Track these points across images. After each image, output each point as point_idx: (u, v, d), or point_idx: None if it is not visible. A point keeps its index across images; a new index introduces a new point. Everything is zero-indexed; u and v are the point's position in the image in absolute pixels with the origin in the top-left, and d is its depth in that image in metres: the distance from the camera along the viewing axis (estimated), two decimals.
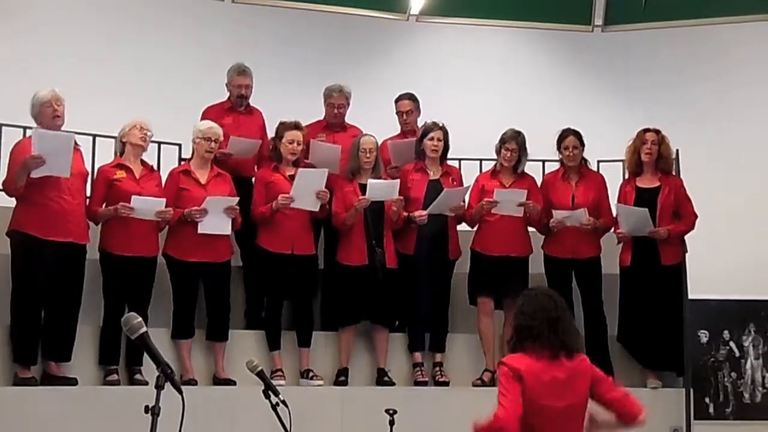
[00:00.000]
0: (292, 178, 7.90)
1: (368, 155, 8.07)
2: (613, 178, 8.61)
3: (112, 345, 7.45)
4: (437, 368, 8.23)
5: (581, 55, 11.35)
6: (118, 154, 7.71)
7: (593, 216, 8.20)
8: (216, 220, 7.62)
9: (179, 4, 10.58)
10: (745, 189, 10.30)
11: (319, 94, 8.70)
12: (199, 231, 7.59)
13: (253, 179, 8.24)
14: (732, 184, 10.31)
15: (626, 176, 8.51)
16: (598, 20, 11.31)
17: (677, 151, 8.44)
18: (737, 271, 9.56)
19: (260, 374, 5.37)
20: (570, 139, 8.29)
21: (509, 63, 11.31)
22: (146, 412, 3.97)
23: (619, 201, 8.29)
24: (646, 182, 8.26)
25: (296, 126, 8.06)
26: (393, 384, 8.03)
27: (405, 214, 8.12)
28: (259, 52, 9.87)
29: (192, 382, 7.50)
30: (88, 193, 7.58)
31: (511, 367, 4.63)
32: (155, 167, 8.11)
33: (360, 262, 8.00)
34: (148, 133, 7.67)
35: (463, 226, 8.43)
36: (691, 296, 8.23)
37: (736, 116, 10.70)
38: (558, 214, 8.16)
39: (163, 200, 7.56)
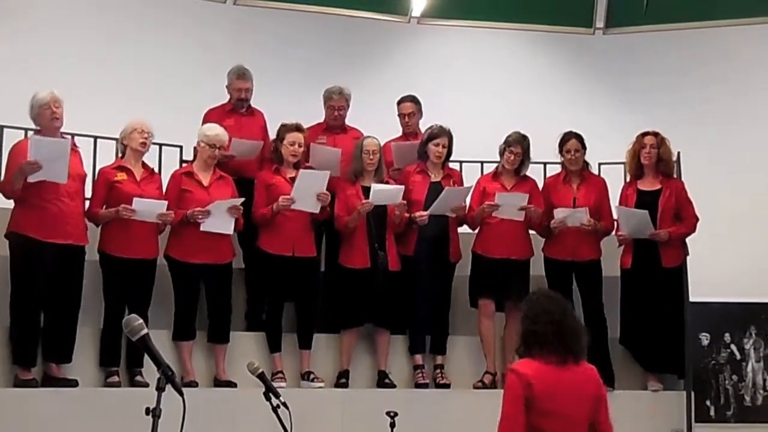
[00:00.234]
0: (293, 180, 7.89)
1: (371, 157, 8.07)
2: (615, 180, 8.60)
3: (113, 346, 7.45)
4: (438, 370, 8.22)
5: (582, 57, 11.35)
6: (120, 155, 7.70)
7: (594, 218, 8.19)
8: (219, 219, 7.62)
9: (180, 5, 10.57)
10: (747, 192, 10.29)
11: (320, 96, 8.69)
12: (202, 228, 7.58)
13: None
14: (734, 187, 10.31)
15: (627, 179, 8.50)
16: (600, 22, 11.31)
17: (678, 153, 8.44)
18: (738, 274, 9.54)
19: (261, 376, 5.37)
20: (572, 143, 8.29)
21: (510, 65, 11.31)
22: (147, 413, 3.97)
23: (620, 204, 8.29)
24: (647, 185, 8.26)
25: (297, 128, 8.06)
26: (394, 386, 8.02)
27: (406, 215, 8.12)
28: (260, 53, 9.87)
29: (193, 384, 7.50)
30: (87, 195, 7.56)
31: (519, 375, 4.58)
32: (156, 169, 8.10)
33: (362, 265, 7.99)
34: (149, 136, 7.65)
35: (463, 229, 8.42)
36: (692, 299, 8.22)
37: (739, 118, 10.69)
38: (559, 213, 8.15)
39: (165, 203, 7.56)
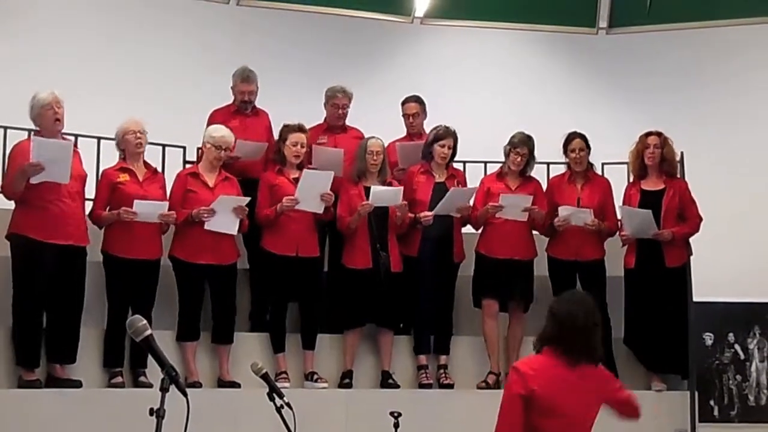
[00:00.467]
0: (296, 180, 7.90)
1: (375, 158, 8.08)
2: (618, 180, 8.60)
3: (116, 347, 7.45)
4: (442, 371, 8.22)
5: (585, 57, 11.33)
6: (121, 158, 7.70)
7: (598, 218, 8.19)
8: (224, 219, 7.63)
9: (184, 6, 10.57)
10: (750, 191, 10.28)
11: (322, 97, 8.70)
12: (206, 227, 7.59)
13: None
14: (737, 187, 10.29)
15: (631, 179, 8.50)
16: (603, 22, 11.29)
17: (682, 153, 8.43)
18: (742, 274, 9.53)
19: (265, 377, 5.37)
20: (576, 143, 8.29)
21: (513, 65, 11.30)
22: (151, 414, 3.97)
23: (624, 204, 8.30)
24: (650, 185, 8.26)
25: (300, 128, 8.06)
26: (397, 386, 8.03)
27: (411, 215, 8.12)
28: (262, 54, 9.86)
29: (196, 385, 7.50)
30: (87, 195, 7.55)
31: (520, 373, 4.58)
32: (159, 170, 8.10)
33: (364, 266, 8.00)
34: (143, 135, 7.64)
35: (467, 229, 8.42)
36: (695, 299, 8.22)
37: (742, 119, 10.68)
38: (563, 210, 8.15)
39: (166, 203, 7.57)
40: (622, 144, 8.52)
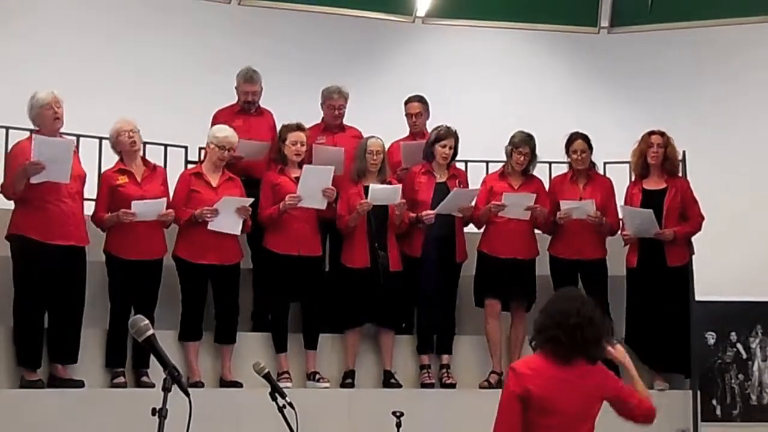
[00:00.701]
0: (298, 179, 7.90)
1: (375, 157, 8.08)
2: (620, 179, 8.61)
3: (119, 347, 7.46)
4: (444, 370, 8.23)
5: (587, 56, 11.34)
6: (119, 159, 7.70)
7: None
8: (227, 219, 7.63)
9: (185, 6, 10.58)
10: (751, 190, 10.28)
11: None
12: (210, 227, 7.59)
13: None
14: (739, 186, 10.30)
15: (632, 178, 8.50)
16: (605, 22, 11.30)
17: (684, 152, 8.43)
18: (744, 273, 9.55)
19: (267, 376, 5.37)
20: (578, 143, 8.29)
21: (515, 65, 11.31)
22: (153, 414, 3.97)
23: (625, 203, 8.30)
24: (652, 184, 8.26)
25: (298, 127, 8.07)
26: (400, 386, 8.03)
27: (413, 215, 8.12)
28: (264, 54, 9.86)
29: (199, 385, 7.50)
30: (87, 195, 7.55)
31: (517, 374, 4.57)
32: (158, 165, 8.08)
33: (363, 265, 8.01)
34: (135, 133, 7.62)
35: (469, 228, 8.43)
36: (698, 298, 8.22)
37: (743, 117, 10.69)
38: (565, 205, 8.15)
39: (164, 200, 7.57)
40: (623, 143, 8.53)
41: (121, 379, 7.43)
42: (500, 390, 4.70)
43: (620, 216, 8.33)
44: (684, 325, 8.16)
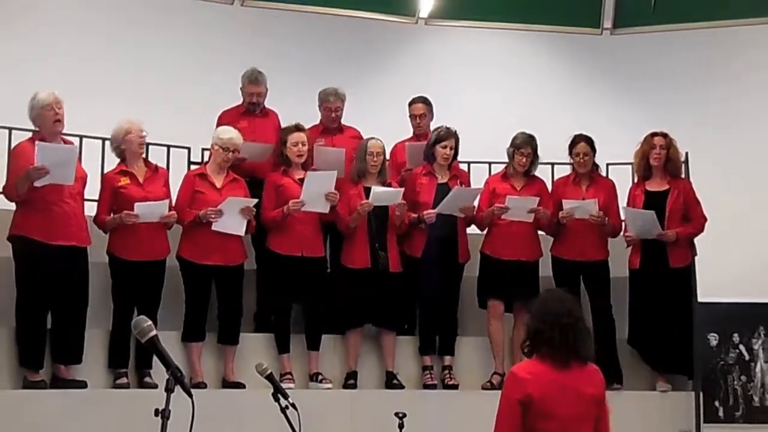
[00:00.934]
0: (301, 181, 7.91)
1: (375, 159, 8.09)
2: (623, 181, 8.61)
3: (122, 348, 7.46)
4: (446, 371, 8.23)
5: (590, 57, 11.34)
6: (119, 158, 7.69)
7: None
8: (231, 220, 7.64)
9: (188, 7, 10.59)
10: (754, 192, 10.28)
11: None
12: (214, 228, 7.59)
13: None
14: (741, 187, 10.30)
15: (635, 179, 8.50)
16: (608, 23, 11.30)
17: (686, 153, 8.43)
18: (747, 274, 9.54)
19: (269, 377, 5.38)
20: (581, 146, 8.28)
21: (518, 66, 11.31)
22: (156, 415, 3.98)
23: (628, 205, 8.29)
24: (655, 186, 8.26)
25: (297, 128, 8.08)
26: (402, 387, 8.02)
27: (414, 215, 8.12)
28: (267, 55, 9.86)
29: (201, 385, 7.50)
30: (89, 196, 7.55)
31: (517, 379, 4.57)
32: (161, 166, 8.08)
33: (363, 265, 8.01)
34: (144, 135, 7.64)
35: (471, 229, 8.43)
36: (700, 299, 8.21)
37: (745, 119, 10.69)
38: (567, 204, 8.15)
39: (166, 202, 7.57)
40: (626, 144, 8.52)
41: (124, 380, 7.43)
42: None
43: (623, 217, 8.33)
44: (686, 327, 8.15)
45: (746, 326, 8.38)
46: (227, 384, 7.73)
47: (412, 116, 8.79)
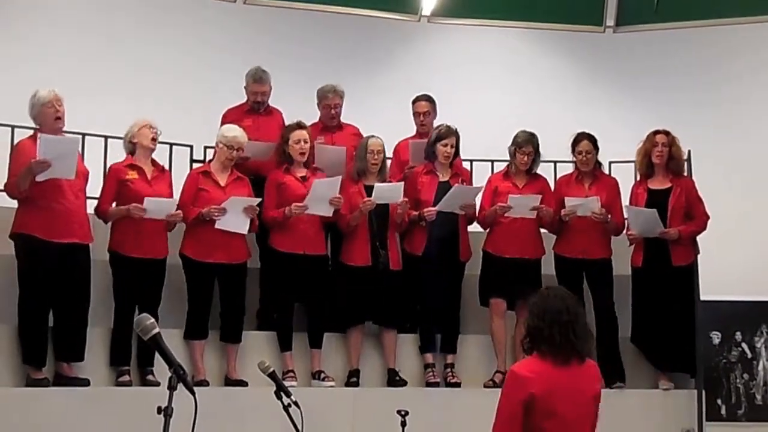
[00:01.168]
0: (303, 179, 7.93)
1: (375, 157, 8.09)
2: (625, 179, 8.59)
3: (124, 346, 7.46)
4: (448, 369, 8.23)
5: (593, 55, 11.34)
6: (129, 154, 7.71)
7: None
8: (235, 218, 7.64)
9: (191, 5, 10.60)
10: (757, 190, 10.28)
11: None
12: (217, 226, 7.59)
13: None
14: (744, 185, 10.30)
15: (638, 178, 8.49)
16: (610, 21, 11.30)
17: (689, 152, 8.43)
18: (749, 272, 9.54)
19: (272, 375, 5.39)
20: (584, 144, 8.27)
21: (520, 64, 11.31)
22: (159, 412, 3.98)
23: (630, 203, 8.29)
24: (657, 184, 8.25)
25: (299, 125, 8.07)
26: (404, 385, 8.02)
27: (415, 213, 8.12)
28: (269, 53, 9.87)
29: (204, 383, 7.50)
30: (90, 193, 7.55)
31: (518, 377, 4.56)
32: (166, 168, 8.10)
33: (363, 263, 8.02)
34: (158, 133, 7.67)
35: (473, 227, 8.43)
36: (703, 297, 8.21)
37: (748, 117, 10.68)
38: (570, 202, 8.14)
39: (175, 201, 7.58)
40: (628, 142, 8.52)
41: (127, 378, 7.43)
42: None
43: (625, 216, 8.32)
44: (689, 325, 8.15)
45: (749, 324, 8.38)
46: (230, 382, 7.73)
47: (416, 114, 8.78)
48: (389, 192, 8.01)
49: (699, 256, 8.28)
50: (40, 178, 7.01)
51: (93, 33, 10.08)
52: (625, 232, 8.31)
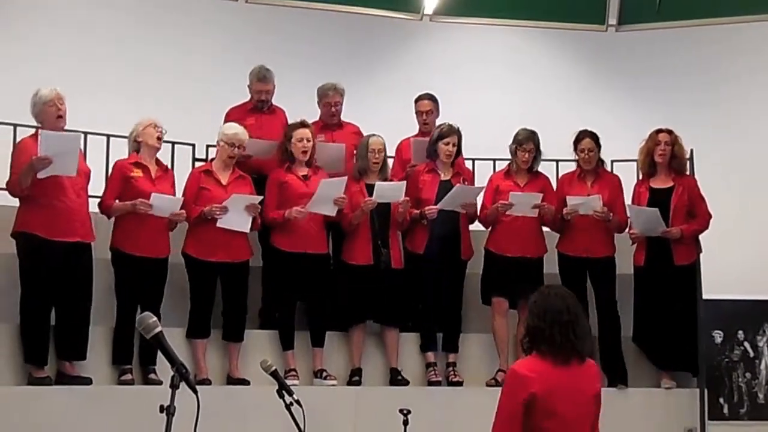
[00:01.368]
0: (305, 178, 7.93)
1: (377, 156, 8.09)
2: (627, 178, 8.59)
3: (126, 344, 7.46)
4: (450, 368, 8.22)
5: (595, 54, 11.34)
6: (134, 152, 7.70)
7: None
8: (236, 217, 7.64)
9: (193, 4, 10.60)
10: (758, 189, 10.28)
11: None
12: (218, 224, 7.60)
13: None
14: (746, 184, 10.30)
15: (640, 177, 8.49)
16: (612, 20, 11.30)
17: (691, 150, 8.42)
18: (752, 271, 9.54)
19: (274, 374, 5.39)
20: (586, 142, 8.27)
21: (523, 63, 11.31)
22: (161, 411, 3.98)
23: (633, 202, 8.28)
24: (659, 183, 8.25)
25: (303, 124, 8.07)
26: (406, 384, 8.02)
27: (416, 212, 8.12)
28: (271, 52, 9.86)
29: (206, 382, 7.50)
30: (92, 192, 7.54)
31: (519, 377, 4.54)
32: (169, 167, 8.11)
33: (365, 262, 8.02)
34: (163, 132, 7.67)
35: (475, 226, 8.42)
36: (705, 296, 8.20)
37: (749, 116, 10.68)
38: (571, 201, 8.14)
39: (181, 199, 7.59)
40: (630, 141, 8.51)
41: (129, 377, 7.43)
42: None
43: (627, 215, 8.31)
44: (691, 324, 8.14)
45: (751, 323, 8.37)
46: (232, 381, 7.73)
47: (419, 113, 8.78)
48: (390, 191, 8.01)
49: (701, 255, 8.27)
50: (41, 175, 7.01)
51: (94, 32, 10.08)
52: (627, 230, 8.31)
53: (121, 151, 7.99)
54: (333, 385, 7.87)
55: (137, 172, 7.56)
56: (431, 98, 8.77)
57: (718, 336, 8.34)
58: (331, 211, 7.89)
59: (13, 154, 7.34)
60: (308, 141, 8.00)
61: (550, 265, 8.30)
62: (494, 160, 8.99)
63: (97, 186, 7.64)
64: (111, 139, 8.41)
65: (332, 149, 8.39)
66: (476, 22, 11.37)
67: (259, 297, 8.24)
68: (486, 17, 11.35)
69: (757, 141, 10.50)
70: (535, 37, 11.42)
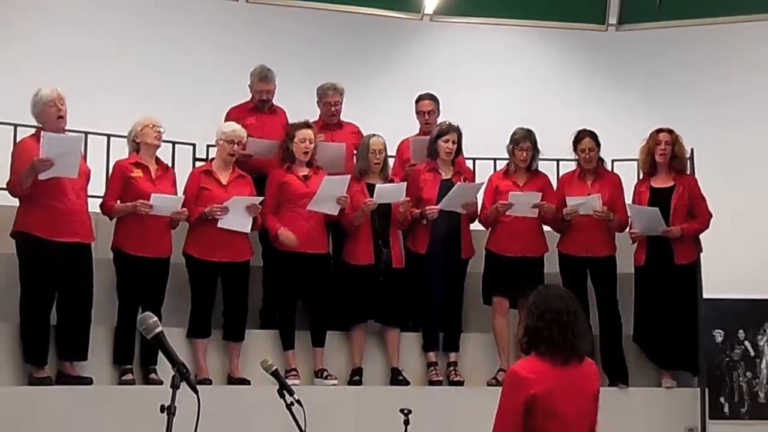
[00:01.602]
0: (305, 178, 7.92)
1: (378, 156, 8.09)
2: (628, 177, 8.59)
3: (126, 344, 7.46)
4: (451, 368, 8.23)
5: (595, 54, 11.34)
6: (134, 152, 7.70)
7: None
8: (237, 217, 7.64)
9: (194, 4, 10.60)
10: (758, 189, 10.27)
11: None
12: (219, 225, 7.60)
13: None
14: (746, 183, 10.29)
15: (640, 176, 8.49)
16: (613, 19, 11.30)
17: (692, 150, 8.42)
18: (752, 270, 9.54)
19: (275, 374, 5.38)
20: (586, 141, 8.27)
21: (523, 62, 11.32)
22: (162, 411, 3.98)
23: (633, 201, 8.28)
24: (660, 182, 8.24)
25: (306, 125, 8.08)
26: (407, 383, 8.03)
27: (417, 211, 8.12)
28: (272, 52, 9.87)
29: (207, 382, 7.50)
30: (92, 192, 7.55)
31: (519, 377, 4.53)
32: (170, 166, 8.11)
33: (366, 262, 8.02)
34: (162, 131, 7.67)
35: (476, 226, 8.43)
36: (705, 295, 8.20)
37: (750, 116, 10.67)
38: (571, 201, 8.14)
39: (181, 198, 7.59)
40: (630, 141, 8.51)
41: (130, 377, 7.44)
42: None
43: (628, 214, 8.31)
44: (692, 323, 8.14)
45: (751, 322, 8.37)
46: (232, 380, 7.74)
47: (420, 113, 8.77)
48: (391, 192, 8.01)
49: (702, 254, 8.27)
50: (43, 176, 7.01)
51: (94, 32, 10.08)
52: (627, 230, 8.31)
53: (121, 151, 7.99)
54: (334, 384, 7.87)
55: (137, 172, 7.56)
56: (432, 98, 8.77)
57: (718, 335, 8.34)
58: (333, 210, 7.90)
59: (13, 154, 7.34)
60: (310, 142, 7.99)
61: (551, 265, 8.30)
62: (495, 159, 8.99)
63: (97, 186, 7.65)
64: (111, 139, 8.40)
65: (332, 149, 8.39)
66: (476, 22, 11.37)
67: (259, 297, 8.23)
68: (486, 17, 11.35)
69: (757, 141, 10.50)
70: (535, 37, 11.42)
